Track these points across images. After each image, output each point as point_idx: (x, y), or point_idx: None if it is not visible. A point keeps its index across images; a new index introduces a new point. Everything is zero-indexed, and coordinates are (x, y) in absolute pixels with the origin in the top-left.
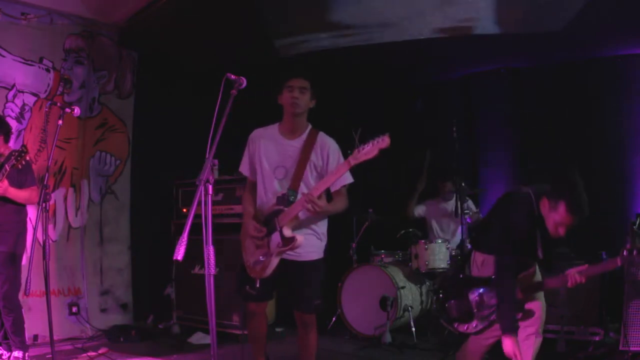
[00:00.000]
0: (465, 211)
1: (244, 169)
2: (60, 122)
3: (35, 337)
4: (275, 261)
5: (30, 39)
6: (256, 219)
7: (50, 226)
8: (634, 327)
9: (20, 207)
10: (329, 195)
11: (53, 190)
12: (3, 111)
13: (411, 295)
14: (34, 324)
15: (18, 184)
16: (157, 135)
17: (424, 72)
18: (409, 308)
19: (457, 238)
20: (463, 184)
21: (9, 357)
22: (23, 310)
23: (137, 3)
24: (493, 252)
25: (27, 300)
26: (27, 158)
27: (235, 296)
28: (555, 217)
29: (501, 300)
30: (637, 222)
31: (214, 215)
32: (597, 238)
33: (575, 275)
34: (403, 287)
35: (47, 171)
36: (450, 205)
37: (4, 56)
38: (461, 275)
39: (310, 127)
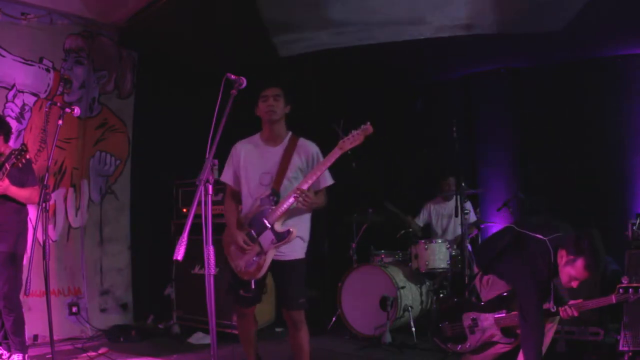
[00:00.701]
0: (465, 211)
1: (227, 178)
2: (60, 122)
3: (35, 337)
4: (269, 258)
5: (30, 39)
6: (241, 227)
7: (50, 226)
8: (634, 327)
9: (21, 207)
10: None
11: (53, 190)
12: (3, 111)
13: (411, 295)
14: (34, 324)
15: (19, 183)
16: (157, 135)
17: (424, 72)
18: (409, 308)
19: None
20: (463, 184)
21: (9, 358)
22: (23, 310)
23: (137, 3)
24: (518, 288)
25: (27, 300)
26: (28, 156)
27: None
28: (571, 271)
29: (528, 336)
30: (637, 222)
31: (214, 215)
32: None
33: (568, 308)
34: (403, 287)
35: (47, 171)
36: (450, 205)
37: (4, 56)
38: (456, 299)
39: (290, 133)
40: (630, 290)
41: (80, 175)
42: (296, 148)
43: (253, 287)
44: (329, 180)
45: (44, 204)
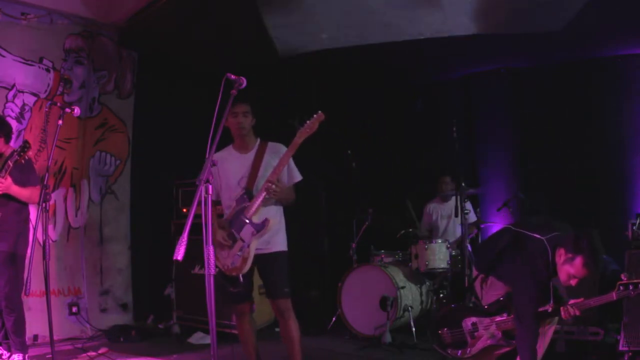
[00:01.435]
0: (465, 211)
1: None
2: (60, 122)
3: (35, 337)
4: (253, 250)
5: (30, 39)
6: (223, 229)
7: (50, 226)
8: (634, 327)
9: (22, 207)
10: None
11: (53, 190)
12: (3, 111)
13: (411, 295)
14: (34, 324)
15: (21, 182)
16: (157, 135)
17: (424, 72)
18: (409, 308)
19: (457, 237)
20: (463, 184)
21: (9, 358)
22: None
23: (137, 3)
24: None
25: (27, 300)
26: (30, 153)
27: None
28: (570, 269)
29: (523, 337)
30: (637, 222)
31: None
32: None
33: (569, 307)
34: (403, 287)
35: (47, 171)
36: (448, 206)
37: (4, 56)
38: (454, 305)
39: (259, 139)
40: (631, 286)
41: (80, 175)
42: (267, 150)
43: (242, 280)
44: (297, 177)
45: (44, 204)
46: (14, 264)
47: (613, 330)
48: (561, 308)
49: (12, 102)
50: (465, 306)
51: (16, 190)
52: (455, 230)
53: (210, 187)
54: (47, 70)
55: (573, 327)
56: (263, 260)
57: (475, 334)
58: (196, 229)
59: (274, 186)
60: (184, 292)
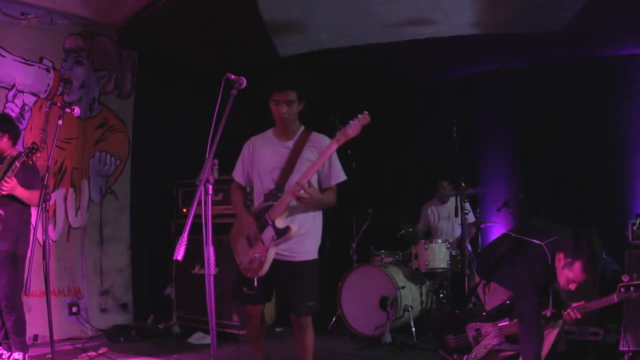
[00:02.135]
0: (465, 211)
1: (238, 175)
2: (60, 122)
3: (35, 337)
4: (271, 255)
5: (30, 39)
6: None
7: (50, 226)
8: (634, 327)
9: (24, 207)
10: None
11: (53, 190)
12: (3, 111)
13: (411, 295)
14: (34, 324)
15: (26, 184)
16: (157, 135)
17: (424, 72)
18: (409, 308)
19: (457, 237)
20: (463, 184)
21: (9, 358)
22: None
23: (137, 3)
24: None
25: (27, 300)
26: (38, 155)
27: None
28: (569, 274)
29: (527, 342)
30: (637, 222)
31: (214, 215)
32: (599, 238)
33: (570, 311)
34: (403, 287)
35: (47, 171)
36: (447, 207)
37: (4, 56)
38: (458, 311)
39: (302, 127)
40: (632, 288)
41: (80, 175)
42: (308, 142)
43: (256, 284)
44: (341, 177)
45: (44, 204)
46: (14, 264)
47: (613, 330)
48: (562, 312)
49: (12, 102)
50: (468, 312)
51: (20, 192)
52: (455, 231)
53: (210, 187)
54: (47, 70)
55: (573, 327)
56: (287, 269)
57: (479, 339)
58: (196, 229)
59: (302, 192)
60: (184, 292)
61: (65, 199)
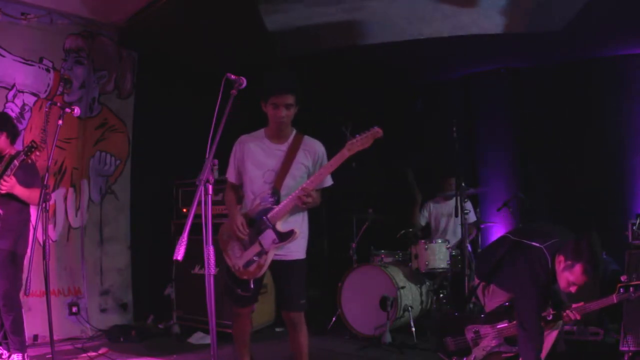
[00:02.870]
0: (465, 211)
1: (230, 175)
2: (60, 122)
3: (35, 337)
4: (270, 258)
5: (30, 39)
6: (246, 220)
7: (50, 226)
8: (634, 327)
9: (24, 207)
10: None
11: (53, 190)
12: (2, 111)
13: (411, 295)
14: (34, 324)
15: (25, 183)
16: (157, 135)
17: (424, 72)
18: (409, 308)
19: (458, 237)
20: (463, 184)
21: (9, 358)
22: (23, 310)
23: (137, 3)
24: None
25: (27, 300)
26: (38, 153)
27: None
28: (570, 277)
29: (527, 344)
30: (637, 222)
31: (214, 215)
32: (600, 240)
33: (570, 313)
34: (403, 287)
35: (47, 171)
36: (449, 205)
37: (4, 56)
38: (457, 314)
39: (295, 131)
40: (631, 288)
41: (80, 175)
42: (301, 146)
43: (252, 286)
44: (328, 181)
45: (44, 204)
46: (13, 263)
47: (613, 330)
48: (562, 314)
49: (12, 102)
50: (467, 314)
51: (20, 191)
52: (456, 229)
53: (210, 187)
54: (47, 70)
55: (573, 327)
56: (280, 268)
57: (478, 341)
58: (196, 229)
59: (305, 197)
60: (184, 292)
61: (65, 199)
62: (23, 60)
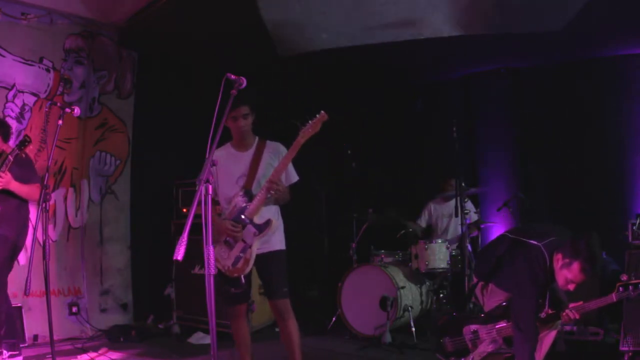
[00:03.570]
0: (465, 211)
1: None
2: (60, 122)
3: (35, 337)
4: (254, 251)
5: (30, 39)
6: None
7: (50, 226)
8: (634, 327)
9: (22, 204)
10: None
11: (53, 190)
12: (3, 111)
13: (411, 295)
14: (34, 324)
15: (21, 179)
16: (157, 135)
17: (424, 72)
18: (409, 308)
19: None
20: (463, 184)
21: (9, 357)
22: (23, 310)
23: (137, 3)
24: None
25: (27, 300)
26: (31, 147)
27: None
28: (568, 274)
29: (522, 343)
30: (637, 222)
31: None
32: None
33: (569, 312)
34: (403, 287)
35: (47, 171)
36: (449, 205)
37: (4, 56)
38: (455, 314)
39: (257, 138)
40: (631, 287)
41: (80, 175)
42: (265, 148)
43: (243, 282)
44: (294, 177)
45: (44, 204)
46: (10, 250)
47: (613, 330)
48: (561, 314)
49: (12, 102)
50: (466, 314)
51: (16, 187)
52: (456, 230)
53: (210, 187)
54: (47, 70)
55: (573, 327)
56: (261, 260)
57: (477, 341)
58: (196, 229)
59: (275, 186)
60: (184, 292)
61: (65, 199)
62: (23, 60)
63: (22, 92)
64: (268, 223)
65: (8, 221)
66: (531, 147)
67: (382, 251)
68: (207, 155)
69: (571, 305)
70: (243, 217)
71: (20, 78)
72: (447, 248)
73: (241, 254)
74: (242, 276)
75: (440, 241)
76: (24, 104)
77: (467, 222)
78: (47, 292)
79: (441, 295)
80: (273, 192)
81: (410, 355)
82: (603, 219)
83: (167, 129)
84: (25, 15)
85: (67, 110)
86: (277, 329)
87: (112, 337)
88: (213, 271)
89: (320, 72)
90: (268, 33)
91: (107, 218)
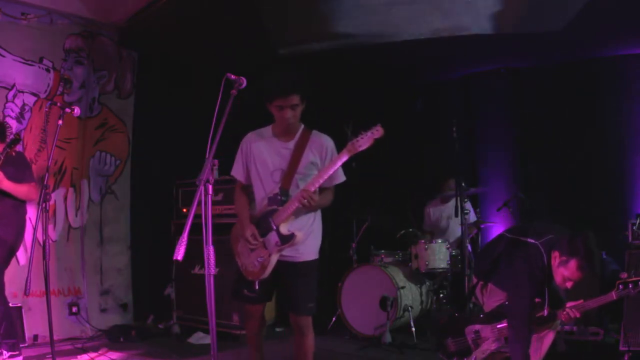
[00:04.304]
0: (465, 211)
1: (238, 173)
2: (60, 122)
3: (35, 337)
4: (274, 260)
5: (30, 39)
6: (252, 222)
7: (50, 226)
8: (634, 327)
9: (19, 204)
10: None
11: (53, 190)
12: (3, 111)
13: (411, 295)
14: (34, 324)
15: (15, 179)
16: (157, 135)
17: (424, 72)
18: (409, 308)
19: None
20: (463, 184)
21: (8, 357)
22: (23, 310)
23: (137, 3)
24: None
25: (27, 300)
26: (21, 146)
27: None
28: (565, 272)
29: (514, 341)
30: (637, 222)
31: (214, 215)
32: (596, 238)
33: (569, 310)
34: (403, 287)
35: (47, 171)
36: (449, 207)
37: (4, 56)
38: (456, 314)
39: (302, 126)
40: (630, 284)
41: (80, 175)
42: (309, 143)
43: (257, 287)
44: (341, 178)
45: (44, 204)
46: (8, 252)
47: (613, 330)
48: (561, 313)
49: (12, 102)
50: (467, 314)
51: (9, 186)
52: (456, 230)
53: (210, 187)
54: (47, 70)
55: (573, 327)
56: (287, 269)
57: (479, 341)
58: (196, 229)
59: (307, 198)
60: (184, 292)
61: (65, 199)
62: (23, 60)
63: (22, 92)
64: (292, 237)
65: (5, 221)
66: (531, 147)
67: (382, 251)
68: (207, 155)
69: (571, 304)
70: (270, 220)
71: (20, 78)
72: (447, 248)
73: (259, 259)
74: (256, 282)
75: (440, 241)
76: (24, 104)
77: (471, 219)
78: (47, 292)
79: (441, 295)
80: (305, 205)
81: (410, 355)
82: (603, 219)
83: (167, 129)
84: (25, 15)
85: (67, 110)
86: (277, 329)
87: (112, 337)
88: (213, 271)
89: (320, 72)
90: (268, 33)
91: (107, 218)
